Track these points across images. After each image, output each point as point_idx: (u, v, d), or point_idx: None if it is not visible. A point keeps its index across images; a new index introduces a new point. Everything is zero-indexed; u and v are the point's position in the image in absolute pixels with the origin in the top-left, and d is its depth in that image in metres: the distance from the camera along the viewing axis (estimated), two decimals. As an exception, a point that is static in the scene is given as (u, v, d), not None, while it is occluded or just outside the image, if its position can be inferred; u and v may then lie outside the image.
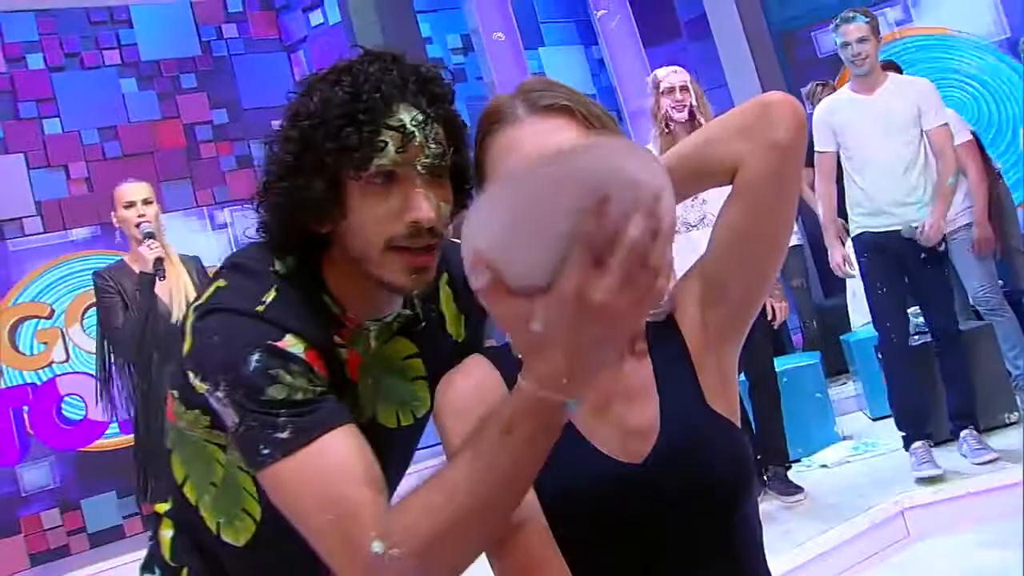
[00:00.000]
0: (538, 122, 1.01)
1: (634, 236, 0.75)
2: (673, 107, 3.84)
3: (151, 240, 3.38)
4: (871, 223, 3.89)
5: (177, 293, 3.39)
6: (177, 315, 3.37)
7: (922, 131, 3.83)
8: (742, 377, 3.94)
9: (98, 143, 6.72)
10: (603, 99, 8.28)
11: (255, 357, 1.04)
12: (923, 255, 3.84)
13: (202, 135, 7.00)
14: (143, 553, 1.36)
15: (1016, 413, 4.16)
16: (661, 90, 3.90)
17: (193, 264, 3.62)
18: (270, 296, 1.10)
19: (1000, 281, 4.62)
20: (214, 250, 6.85)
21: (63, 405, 5.84)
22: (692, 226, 3.80)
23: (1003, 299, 4.51)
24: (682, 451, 1.03)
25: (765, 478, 3.95)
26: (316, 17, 7.46)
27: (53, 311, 6.01)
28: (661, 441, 1.04)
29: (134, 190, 3.55)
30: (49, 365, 5.91)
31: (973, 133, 5.01)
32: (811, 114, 4.11)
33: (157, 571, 1.32)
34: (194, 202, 6.93)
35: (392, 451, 1.09)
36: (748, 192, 1.03)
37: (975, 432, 3.84)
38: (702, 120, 3.85)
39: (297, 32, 7.47)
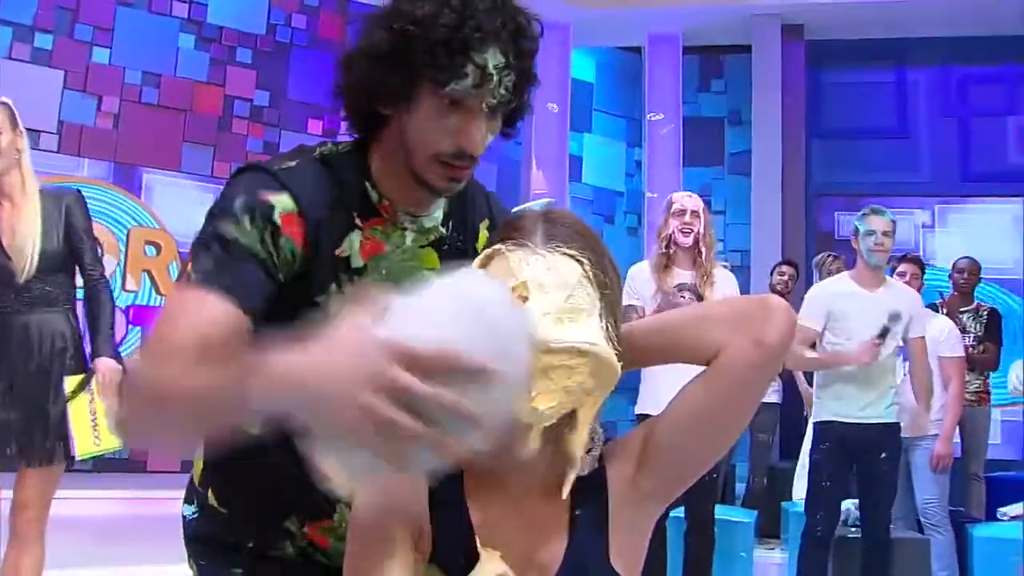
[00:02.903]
0: (548, 256, 1.01)
1: (417, 387, 0.83)
2: (680, 230, 3.86)
3: None
4: (839, 411, 3.90)
5: (20, 235, 2.77)
6: (22, 262, 2.76)
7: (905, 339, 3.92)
8: (680, 513, 3.92)
9: (139, 85, 6.75)
10: (630, 200, 8.38)
11: (242, 198, 1.16)
12: (883, 454, 3.85)
13: (239, 110, 7.04)
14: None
15: (931, 631, 4.14)
16: (672, 211, 3.93)
17: (62, 201, 2.87)
18: (292, 163, 1.23)
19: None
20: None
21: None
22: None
23: (947, 517, 4.51)
24: None
25: None
26: (384, 35, 7.57)
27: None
28: None
29: None
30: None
31: (969, 347, 5.09)
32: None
33: (195, 502, 1.37)
34: (211, 171, 6.93)
35: None
36: (724, 376, 1.05)
37: None
38: (703, 249, 3.85)
39: (361, 43, 7.58)
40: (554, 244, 1.02)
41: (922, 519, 4.55)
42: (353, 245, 1.22)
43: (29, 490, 2.75)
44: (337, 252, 1.21)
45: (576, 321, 0.99)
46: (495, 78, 1.15)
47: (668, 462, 1.09)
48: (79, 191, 2.99)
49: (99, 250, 3.03)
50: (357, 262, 1.23)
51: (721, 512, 4.28)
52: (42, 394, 2.80)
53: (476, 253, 1.19)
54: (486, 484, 1.08)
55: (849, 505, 4.31)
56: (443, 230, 1.31)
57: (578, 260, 1.01)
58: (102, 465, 5.85)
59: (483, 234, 1.36)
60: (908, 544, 4.24)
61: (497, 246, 1.04)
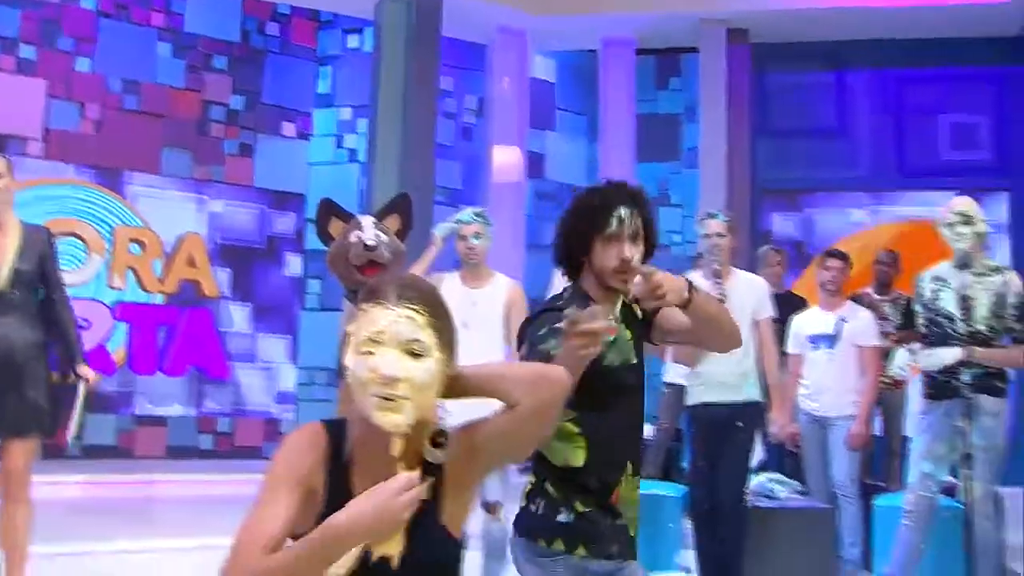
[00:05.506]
0: (398, 311, 1.48)
1: None
2: None
3: None
4: (707, 396, 4.26)
5: (6, 256, 3.45)
6: (2, 278, 3.41)
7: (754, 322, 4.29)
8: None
9: (119, 93, 7.12)
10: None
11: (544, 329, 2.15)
12: (739, 423, 4.20)
13: (216, 115, 7.41)
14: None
15: (838, 598, 4.55)
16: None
17: (39, 235, 3.58)
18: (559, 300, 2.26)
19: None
20: (203, 227, 7.30)
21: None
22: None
23: (856, 489, 4.92)
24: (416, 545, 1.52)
25: None
26: (353, 40, 7.90)
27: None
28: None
29: None
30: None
31: (890, 335, 5.54)
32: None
33: (536, 499, 2.18)
34: (190, 173, 7.32)
35: None
36: (515, 420, 1.56)
37: None
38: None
39: (331, 48, 7.91)
40: (403, 303, 1.48)
41: (836, 491, 4.98)
42: None
43: (14, 459, 3.38)
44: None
45: (422, 356, 1.47)
46: (627, 220, 2.17)
47: (481, 460, 1.60)
48: (46, 229, 3.68)
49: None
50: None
51: (652, 487, 4.71)
52: (20, 381, 3.42)
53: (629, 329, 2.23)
54: (367, 463, 1.53)
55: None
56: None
57: (420, 312, 1.48)
58: (93, 453, 6.28)
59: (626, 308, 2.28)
60: (817, 515, 4.66)
61: (363, 306, 1.51)
